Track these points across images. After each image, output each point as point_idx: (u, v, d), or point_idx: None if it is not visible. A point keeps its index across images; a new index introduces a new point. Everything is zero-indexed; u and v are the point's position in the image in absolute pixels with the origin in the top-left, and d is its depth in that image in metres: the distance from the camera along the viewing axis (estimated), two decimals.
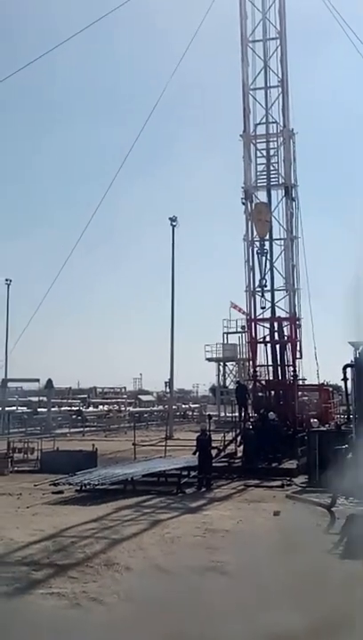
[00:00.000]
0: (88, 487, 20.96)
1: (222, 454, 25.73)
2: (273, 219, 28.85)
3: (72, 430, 45.85)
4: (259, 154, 29.28)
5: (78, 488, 21.17)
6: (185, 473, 22.46)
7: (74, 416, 51.95)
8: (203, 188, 68.99)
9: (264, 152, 29.23)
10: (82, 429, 46.24)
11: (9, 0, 74.87)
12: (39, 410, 50.22)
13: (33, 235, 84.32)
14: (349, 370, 22.10)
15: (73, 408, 54.33)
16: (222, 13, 29.10)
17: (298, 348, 28.66)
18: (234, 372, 49.47)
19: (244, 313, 30.40)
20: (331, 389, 33.11)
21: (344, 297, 14.90)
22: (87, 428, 47.15)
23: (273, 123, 29.03)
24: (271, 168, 29.13)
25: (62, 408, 53.43)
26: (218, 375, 51.56)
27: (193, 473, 22.43)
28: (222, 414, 43.73)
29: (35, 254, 70.77)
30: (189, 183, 71.21)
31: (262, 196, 29.26)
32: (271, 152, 29.17)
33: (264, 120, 29.14)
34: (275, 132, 29.05)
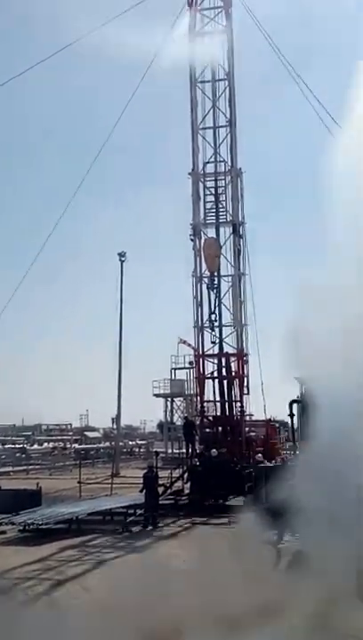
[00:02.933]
0: (32, 527, 20.46)
1: (169, 492, 25.46)
2: (221, 255, 29.15)
3: (16, 468, 44.83)
4: (207, 191, 29.69)
5: (22, 528, 20.66)
6: (131, 511, 22.16)
7: (18, 454, 50.89)
8: (152, 224, 69.36)
9: (213, 190, 29.65)
10: (26, 467, 45.28)
11: None
12: None
13: None
14: (295, 405, 22.28)
15: (17, 445, 53.26)
16: (172, 57, 29.62)
17: (245, 384, 28.78)
18: (182, 408, 49.31)
19: (193, 348, 30.44)
20: (277, 425, 33.26)
21: (283, 337, 15.10)
22: (31, 466, 46.19)
23: (221, 162, 29.54)
24: (219, 206, 29.53)
25: (6, 445, 52.31)
26: (165, 411, 51.34)
27: (139, 511, 22.15)
28: (170, 451, 43.46)
29: None
30: (138, 219, 71.59)
31: (210, 232, 29.61)
32: (219, 190, 29.60)
33: (213, 159, 29.62)
34: (223, 170, 29.54)
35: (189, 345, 39.13)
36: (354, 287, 13.63)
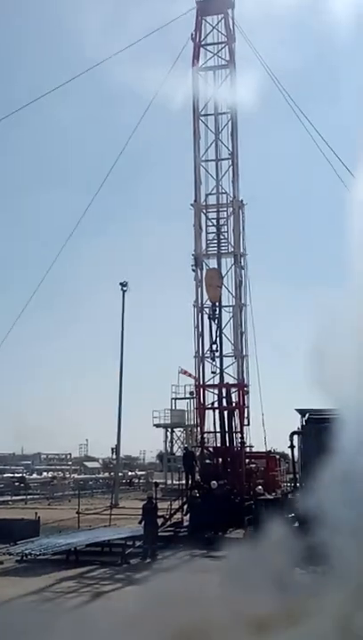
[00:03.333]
0: (29, 557, 20.25)
1: (168, 523, 25.26)
2: (223, 286, 29.30)
3: (14, 498, 44.55)
4: (209, 223, 29.96)
5: (19, 558, 20.45)
6: (130, 543, 21.92)
7: (17, 483, 50.57)
8: (154, 254, 69.80)
9: (214, 221, 29.92)
10: (25, 497, 44.96)
11: None
12: None
13: None
14: (295, 437, 22.25)
15: (16, 475, 52.95)
16: (176, 89, 30.13)
17: (246, 415, 28.72)
18: (182, 439, 49.07)
19: (193, 377, 30.44)
20: (278, 457, 33.09)
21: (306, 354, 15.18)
22: (30, 496, 45.86)
23: (223, 193, 29.84)
24: (221, 237, 29.77)
25: (4, 475, 52.02)
26: (165, 441, 51.05)
27: (138, 543, 21.93)
28: (169, 482, 43.17)
29: None
30: (140, 249, 71.91)
31: (212, 263, 29.83)
32: (221, 221, 29.87)
33: (215, 191, 29.92)
34: (225, 202, 29.81)
35: (190, 375, 39.15)
36: None
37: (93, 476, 59.81)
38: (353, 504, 12.52)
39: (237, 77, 29.64)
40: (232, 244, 29.58)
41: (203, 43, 30.15)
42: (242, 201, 29.73)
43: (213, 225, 29.93)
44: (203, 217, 29.85)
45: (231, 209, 29.68)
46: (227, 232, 29.79)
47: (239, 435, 28.51)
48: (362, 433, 13.24)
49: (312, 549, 13.65)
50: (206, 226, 29.94)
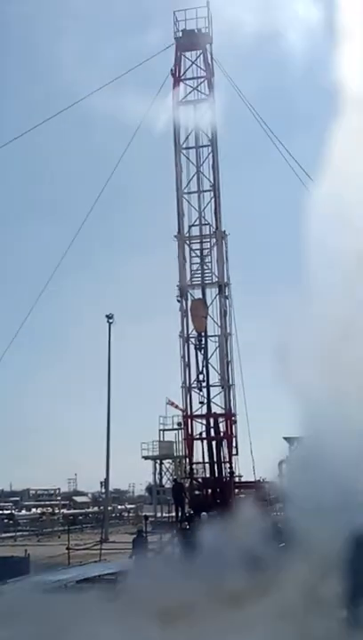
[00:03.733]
0: None
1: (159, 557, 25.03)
2: (208, 316, 29.42)
3: (3, 535, 44.04)
4: (193, 254, 30.17)
5: None
6: (121, 577, 21.71)
7: (5, 520, 49.99)
8: (139, 285, 69.96)
9: (198, 252, 30.14)
10: (14, 534, 44.45)
11: None
12: None
13: None
14: (283, 465, 22.22)
15: (4, 511, 52.37)
16: (157, 121, 30.62)
17: (234, 445, 28.65)
18: (171, 470, 48.74)
19: (180, 409, 30.38)
20: (267, 486, 32.90)
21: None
22: (19, 533, 45.36)
23: (206, 224, 30.11)
24: (205, 267, 29.96)
25: None
26: (154, 473, 50.59)
27: None
28: (159, 514, 42.81)
29: None
30: (125, 281, 72.11)
31: (196, 294, 29.95)
32: (205, 252, 30.08)
33: (198, 222, 30.19)
34: (208, 233, 30.08)
35: (177, 406, 39.08)
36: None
37: (83, 510, 59.28)
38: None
39: (217, 110, 30.17)
40: (216, 274, 29.79)
41: (182, 77, 30.62)
42: (225, 231, 30.00)
43: (197, 256, 30.14)
44: (186, 248, 30.07)
45: (214, 239, 29.94)
46: (211, 262, 30.01)
47: (228, 464, 28.43)
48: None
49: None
50: (190, 257, 30.15)
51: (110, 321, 44.38)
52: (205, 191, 30.18)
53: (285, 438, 21.40)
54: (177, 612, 12.16)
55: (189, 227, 30.22)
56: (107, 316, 44.47)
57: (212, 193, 30.06)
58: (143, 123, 29.37)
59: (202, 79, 30.56)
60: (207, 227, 30.11)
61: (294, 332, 15.92)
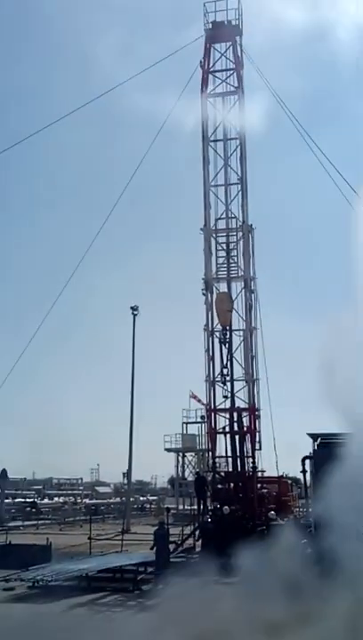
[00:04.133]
0: (41, 584, 20.19)
1: (180, 549, 25.11)
2: (233, 309, 29.34)
3: (26, 523, 44.42)
4: (219, 247, 30.09)
5: (31, 584, 20.39)
6: (142, 569, 21.82)
7: (28, 508, 50.45)
8: (165, 277, 70.06)
9: (224, 245, 30.05)
10: (36, 522, 44.84)
11: None
12: None
13: (6, 328, 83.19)
14: (307, 462, 22.13)
15: (27, 500, 52.86)
16: (185, 113, 30.54)
17: (257, 439, 28.60)
18: (193, 463, 48.91)
19: (202, 403, 30.39)
20: (290, 482, 32.87)
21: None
22: (42, 521, 45.73)
23: (233, 218, 30.00)
24: (231, 261, 29.87)
25: (16, 500, 51.91)
26: (177, 466, 50.91)
27: (150, 569, 21.81)
28: (181, 507, 42.94)
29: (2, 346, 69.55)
30: (152, 273, 72.21)
31: (222, 287, 29.88)
32: (231, 246, 29.99)
33: (224, 215, 30.10)
34: (234, 226, 29.97)
35: (199, 400, 39.10)
36: None
37: (105, 500, 59.64)
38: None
39: (245, 103, 30.02)
40: (242, 267, 29.69)
41: (212, 69, 30.52)
42: (251, 225, 29.88)
43: (223, 249, 30.06)
44: (213, 241, 30.00)
45: (241, 233, 29.83)
46: (237, 256, 29.92)
47: (251, 459, 28.38)
48: None
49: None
50: (216, 250, 30.08)
51: (135, 313, 44.40)
52: (233, 184, 30.07)
53: (309, 434, 21.25)
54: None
55: (216, 220, 30.15)
56: (131, 308, 44.50)
57: (239, 186, 29.93)
58: (172, 114, 29.33)
59: (231, 72, 30.41)
60: (234, 220, 30.02)
61: (341, 345, 14.93)
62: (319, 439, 20.71)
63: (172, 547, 23.58)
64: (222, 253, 30.07)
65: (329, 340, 15.40)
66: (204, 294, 29.43)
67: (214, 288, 29.69)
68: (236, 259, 29.89)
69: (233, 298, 29.56)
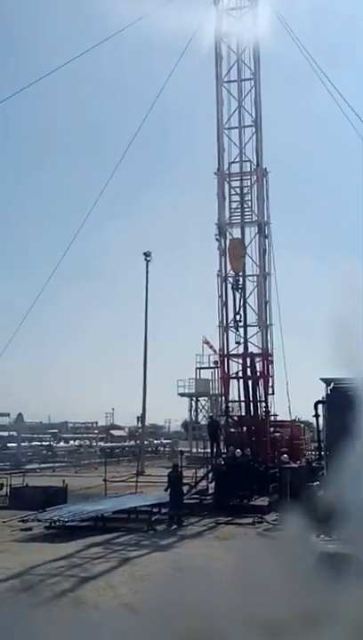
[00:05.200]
0: (57, 524, 20.64)
1: (194, 491, 25.53)
2: (246, 255, 29.13)
3: (42, 466, 45.25)
4: (233, 191, 29.69)
5: (47, 525, 20.85)
6: (156, 510, 22.25)
7: (44, 451, 51.34)
8: (178, 223, 69.67)
9: (238, 190, 29.64)
10: (52, 465, 45.67)
11: None
12: (9, 445, 49.59)
13: (16, 273, 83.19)
14: (320, 406, 22.24)
15: (43, 443, 53.74)
16: (199, 54, 29.72)
17: (270, 384, 28.75)
18: (206, 408, 49.36)
19: (214, 350, 30.47)
20: (302, 425, 33.17)
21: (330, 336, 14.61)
22: (57, 464, 46.58)
23: (247, 161, 29.53)
24: (245, 205, 29.51)
25: (32, 443, 52.81)
26: (190, 410, 51.45)
27: (164, 510, 22.24)
28: (194, 450, 43.53)
29: (15, 292, 69.71)
30: (165, 218, 71.73)
31: (235, 232, 29.63)
32: (245, 190, 29.58)
33: (238, 159, 29.61)
34: (249, 170, 29.51)
35: (211, 347, 39.22)
36: None
37: (119, 444, 60.50)
38: None
39: (261, 41, 29.19)
40: (256, 212, 29.34)
41: (226, 7, 29.60)
42: (266, 169, 29.42)
43: (237, 193, 29.66)
44: (226, 185, 29.59)
45: (255, 177, 29.38)
46: (251, 200, 29.54)
47: (264, 404, 28.60)
48: None
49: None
50: (230, 194, 29.70)
51: (148, 259, 44.26)
52: (247, 126, 29.49)
53: (322, 379, 21.30)
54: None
55: (230, 163, 29.69)
56: (144, 254, 44.33)
57: (253, 128, 29.36)
58: (186, 55, 28.44)
59: (245, 9, 29.50)
60: (248, 163, 29.54)
61: (355, 304, 14.03)
62: (332, 384, 20.75)
63: (185, 488, 23.97)
64: (236, 198, 29.69)
65: (343, 293, 14.83)
66: (217, 240, 29.20)
67: (228, 233, 29.42)
68: (250, 203, 29.54)
69: (247, 243, 29.32)
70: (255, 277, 29.11)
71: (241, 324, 28.91)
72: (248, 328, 28.97)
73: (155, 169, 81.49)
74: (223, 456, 27.54)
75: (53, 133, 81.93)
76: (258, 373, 28.73)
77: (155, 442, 61.90)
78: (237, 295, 28.93)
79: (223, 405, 30.24)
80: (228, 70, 29.67)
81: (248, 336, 28.94)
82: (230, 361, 29.32)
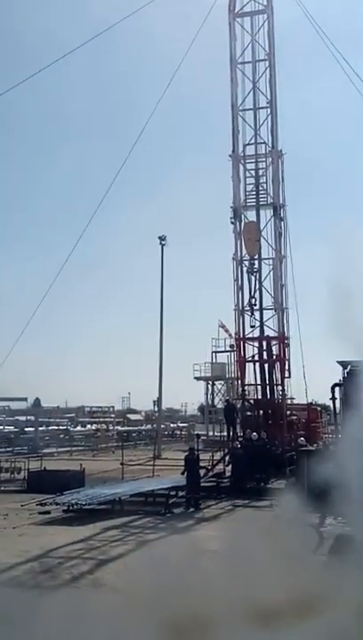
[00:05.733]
0: (75, 507, 20.79)
1: (211, 474, 25.58)
2: (262, 238, 28.96)
3: (60, 450, 45.52)
4: (248, 174, 29.52)
5: (65, 508, 21.01)
6: (173, 493, 22.32)
7: (61, 435, 51.60)
8: (193, 207, 69.33)
9: (253, 172, 29.46)
10: (69, 449, 45.93)
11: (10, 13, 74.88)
12: (26, 429, 49.86)
13: (33, 259, 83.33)
14: (337, 389, 22.12)
15: (61, 427, 54.01)
16: (213, 34, 29.43)
17: (287, 367, 28.70)
18: (223, 392, 49.33)
19: (230, 334, 30.41)
20: (319, 409, 33.10)
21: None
22: (75, 448, 46.82)
23: (262, 143, 29.31)
24: (260, 188, 29.32)
25: (50, 427, 53.07)
26: (206, 394, 51.43)
27: (181, 493, 22.31)
28: (211, 434, 43.58)
29: (32, 277, 69.96)
30: (180, 202, 71.39)
31: (251, 215, 29.47)
32: (260, 172, 29.39)
33: (253, 140, 29.40)
34: (264, 152, 29.30)
35: (227, 330, 39.13)
36: None
37: (136, 428, 60.69)
38: None
39: (277, 24, 28.88)
40: (271, 194, 29.14)
41: None
42: (281, 151, 29.19)
43: (252, 176, 29.48)
44: (241, 168, 29.39)
45: (270, 159, 29.15)
46: (266, 183, 29.34)
47: (280, 387, 28.58)
48: None
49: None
50: (245, 177, 29.51)
51: (163, 243, 44.18)
52: (261, 108, 29.24)
53: (339, 362, 21.19)
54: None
55: (244, 145, 29.48)
56: (159, 238, 44.22)
57: (268, 110, 29.10)
58: (200, 36, 28.15)
59: None
60: (263, 145, 29.32)
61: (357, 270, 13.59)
62: (349, 366, 20.62)
63: (202, 472, 24.02)
64: (251, 180, 29.51)
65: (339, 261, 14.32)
66: (232, 223, 29.05)
67: (243, 216, 29.25)
68: (265, 186, 29.36)
69: (262, 226, 29.15)
70: (271, 260, 28.97)
71: (256, 307, 28.83)
72: (264, 311, 28.95)
73: (170, 154, 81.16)
74: (240, 439, 27.56)
75: (74, 118, 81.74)
76: (274, 356, 28.68)
77: (171, 425, 61.99)
78: (253, 279, 28.83)
79: (239, 389, 30.23)
80: (242, 51, 29.39)
81: (264, 319, 28.91)
82: (246, 344, 29.27)
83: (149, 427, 58.95)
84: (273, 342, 28.74)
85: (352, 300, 13.37)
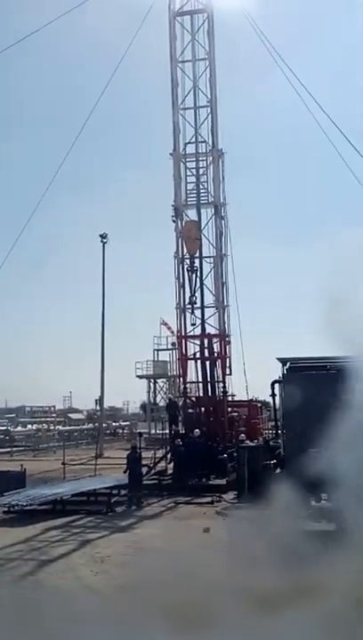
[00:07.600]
0: (16, 508, 20.54)
1: (153, 472, 25.66)
2: (203, 237, 29.14)
3: (0, 450, 44.91)
4: (189, 172, 29.60)
5: (6, 509, 20.74)
6: (115, 491, 22.29)
7: (1, 436, 50.90)
8: (135, 205, 69.21)
9: (194, 171, 29.56)
10: (10, 449, 45.32)
11: None
12: None
13: None
14: (277, 385, 22.41)
15: (0, 428, 53.26)
16: (157, 32, 29.40)
17: (228, 365, 28.95)
18: (165, 389, 49.46)
19: (171, 332, 30.52)
20: (260, 405, 33.51)
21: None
22: (15, 448, 46.24)
23: (202, 142, 29.42)
24: (201, 187, 29.46)
25: None
26: (148, 392, 51.46)
27: (123, 491, 22.31)
28: (153, 432, 43.66)
29: None
30: (121, 201, 71.15)
31: (191, 214, 29.57)
32: (201, 171, 29.52)
33: (194, 139, 29.50)
34: (204, 151, 29.44)
35: (169, 328, 39.27)
36: None
37: (78, 427, 60.29)
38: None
39: (216, 23, 29.01)
40: (212, 193, 29.34)
41: None
42: (221, 150, 29.37)
43: (193, 174, 29.59)
44: (182, 167, 29.48)
45: (211, 158, 29.33)
46: (206, 182, 29.50)
47: (221, 384, 28.79)
48: None
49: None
50: (186, 176, 29.61)
51: (104, 241, 43.96)
52: (202, 107, 29.35)
53: (278, 359, 21.49)
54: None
55: (185, 144, 29.56)
56: (100, 236, 44.02)
57: (208, 109, 29.24)
58: (141, 35, 28.14)
59: None
60: (203, 144, 29.44)
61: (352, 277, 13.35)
62: (288, 363, 20.94)
63: (144, 470, 24.07)
64: (192, 179, 29.61)
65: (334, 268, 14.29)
66: (173, 221, 29.13)
67: (184, 215, 29.37)
68: (206, 184, 29.50)
69: (203, 224, 29.32)
70: (212, 259, 29.18)
71: (197, 305, 28.98)
72: (205, 309, 29.08)
73: (113, 152, 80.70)
74: (182, 437, 27.69)
75: (20, 105, 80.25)
76: (215, 354, 28.89)
77: (113, 424, 61.82)
78: (194, 277, 28.96)
79: (181, 386, 30.35)
80: (182, 50, 29.45)
81: (206, 317, 29.06)
82: (188, 342, 29.40)
83: (90, 426, 58.63)
84: (214, 340, 28.95)
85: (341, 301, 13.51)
